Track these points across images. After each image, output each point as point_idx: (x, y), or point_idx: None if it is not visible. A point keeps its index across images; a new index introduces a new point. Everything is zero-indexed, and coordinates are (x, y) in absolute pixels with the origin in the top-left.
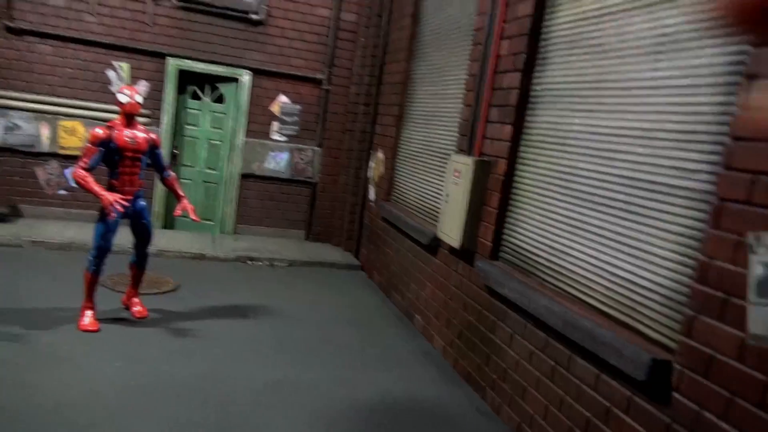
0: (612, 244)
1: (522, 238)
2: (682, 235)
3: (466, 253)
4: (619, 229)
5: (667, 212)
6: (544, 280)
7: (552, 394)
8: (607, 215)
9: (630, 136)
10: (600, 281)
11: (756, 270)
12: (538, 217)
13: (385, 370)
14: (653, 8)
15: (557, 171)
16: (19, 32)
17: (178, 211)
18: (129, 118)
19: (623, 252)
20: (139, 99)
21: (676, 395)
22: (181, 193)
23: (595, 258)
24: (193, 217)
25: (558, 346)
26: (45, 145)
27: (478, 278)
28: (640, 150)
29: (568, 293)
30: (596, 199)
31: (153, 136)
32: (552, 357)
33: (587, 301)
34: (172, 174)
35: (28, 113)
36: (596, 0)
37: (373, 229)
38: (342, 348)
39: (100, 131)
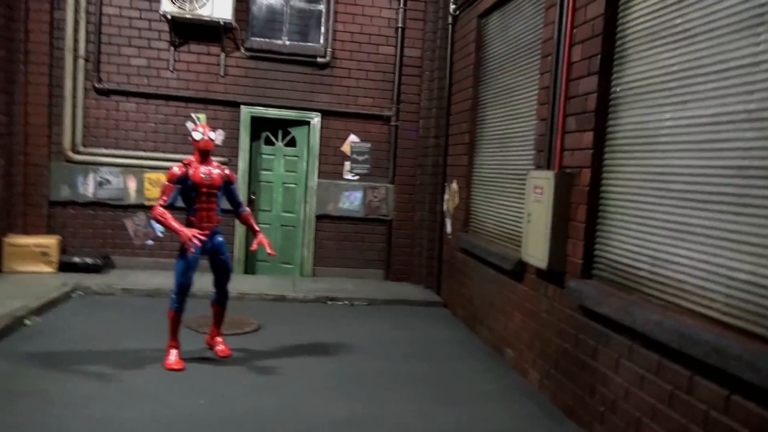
0: (725, 243)
1: (617, 250)
2: None
3: (554, 274)
4: (730, 226)
5: None
6: (648, 294)
7: (673, 424)
8: (713, 212)
9: (737, 121)
10: (717, 288)
11: None
12: (633, 225)
13: (476, 406)
14: None
15: (650, 172)
16: (106, 93)
17: (254, 245)
18: (203, 154)
19: (740, 251)
20: (213, 135)
21: None
22: (256, 227)
23: (708, 263)
24: (269, 251)
25: (674, 367)
26: (132, 197)
27: (571, 300)
28: (749, 135)
29: (680, 306)
30: (699, 195)
31: (227, 171)
32: (668, 380)
33: (704, 312)
34: (247, 209)
35: (116, 168)
36: None
37: (452, 263)
38: (427, 383)
39: (176, 169)
